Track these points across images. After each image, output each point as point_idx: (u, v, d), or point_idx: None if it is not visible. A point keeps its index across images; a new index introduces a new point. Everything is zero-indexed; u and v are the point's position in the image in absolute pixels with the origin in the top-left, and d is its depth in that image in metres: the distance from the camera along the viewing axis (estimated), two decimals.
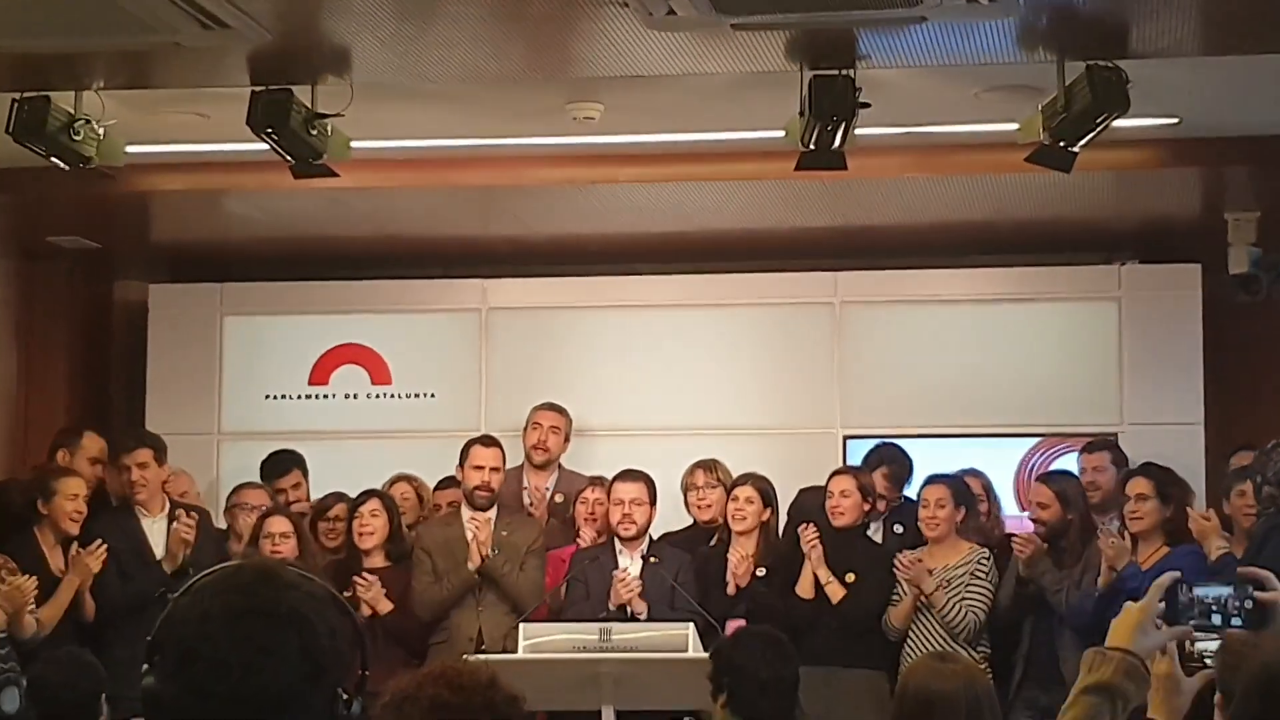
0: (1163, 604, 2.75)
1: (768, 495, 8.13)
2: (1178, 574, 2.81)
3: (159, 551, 8.01)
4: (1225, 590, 2.75)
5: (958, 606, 7.77)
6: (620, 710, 6.99)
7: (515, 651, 7.26)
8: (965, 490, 8.12)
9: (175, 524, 7.98)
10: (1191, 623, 2.77)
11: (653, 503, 8.09)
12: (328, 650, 2.22)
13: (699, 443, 9.11)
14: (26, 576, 7.35)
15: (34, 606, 7.40)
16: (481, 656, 7.22)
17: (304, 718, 2.20)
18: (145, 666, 2.24)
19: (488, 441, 8.34)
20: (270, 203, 9.03)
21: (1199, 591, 2.76)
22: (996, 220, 9.48)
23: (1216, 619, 2.77)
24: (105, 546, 7.75)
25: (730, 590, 7.91)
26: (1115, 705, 2.70)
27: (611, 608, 7.76)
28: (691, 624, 7.21)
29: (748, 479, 8.21)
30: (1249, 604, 2.74)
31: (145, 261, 10.68)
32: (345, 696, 2.27)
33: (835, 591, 7.89)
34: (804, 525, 8.02)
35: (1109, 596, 7.30)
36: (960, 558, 7.91)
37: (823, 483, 8.18)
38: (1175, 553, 7.47)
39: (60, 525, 7.82)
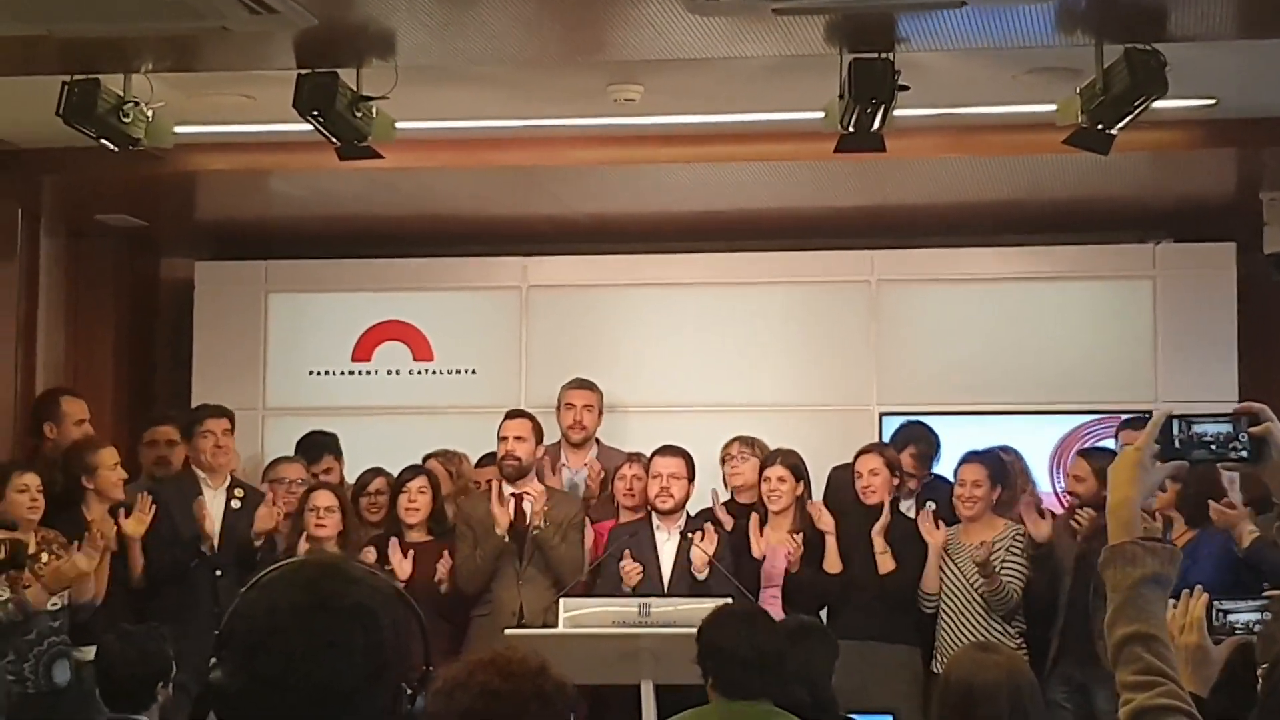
0: (1158, 442, 2.75)
1: (799, 470, 8.18)
2: (1172, 410, 2.80)
3: (216, 523, 8.10)
4: (1224, 427, 2.75)
5: (998, 582, 7.82)
6: (659, 685, 7.04)
7: (555, 625, 7.33)
8: (1002, 468, 8.15)
9: (238, 508, 8.12)
10: (1190, 457, 2.77)
11: (691, 478, 8.15)
12: (391, 644, 2.24)
13: (736, 420, 9.16)
14: (82, 556, 7.39)
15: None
16: (521, 631, 7.33)
17: (368, 711, 2.22)
18: (213, 660, 2.26)
19: (514, 414, 8.43)
20: (314, 182, 9.11)
21: (1197, 429, 2.75)
22: (1032, 199, 9.51)
23: (1214, 454, 2.77)
24: (154, 506, 7.87)
25: (773, 571, 7.97)
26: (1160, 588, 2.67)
27: (627, 590, 7.83)
28: (729, 600, 7.27)
29: (778, 457, 8.25)
30: (1244, 438, 2.75)
31: (191, 239, 10.81)
32: (409, 691, 2.29)
33: (886, 563, 7.95)
34: (813, 504, 8.09)
35: None
36: (995, 534, 7.96)
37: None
38: (1203, 536, 7.47)
39: (110, 495, 7.89)
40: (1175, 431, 2.75)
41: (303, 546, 7.92)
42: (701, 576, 7.79)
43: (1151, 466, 2.73)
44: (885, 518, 7.97)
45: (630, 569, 7.84)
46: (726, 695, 5.04)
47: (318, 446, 9.06)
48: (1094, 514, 7.81)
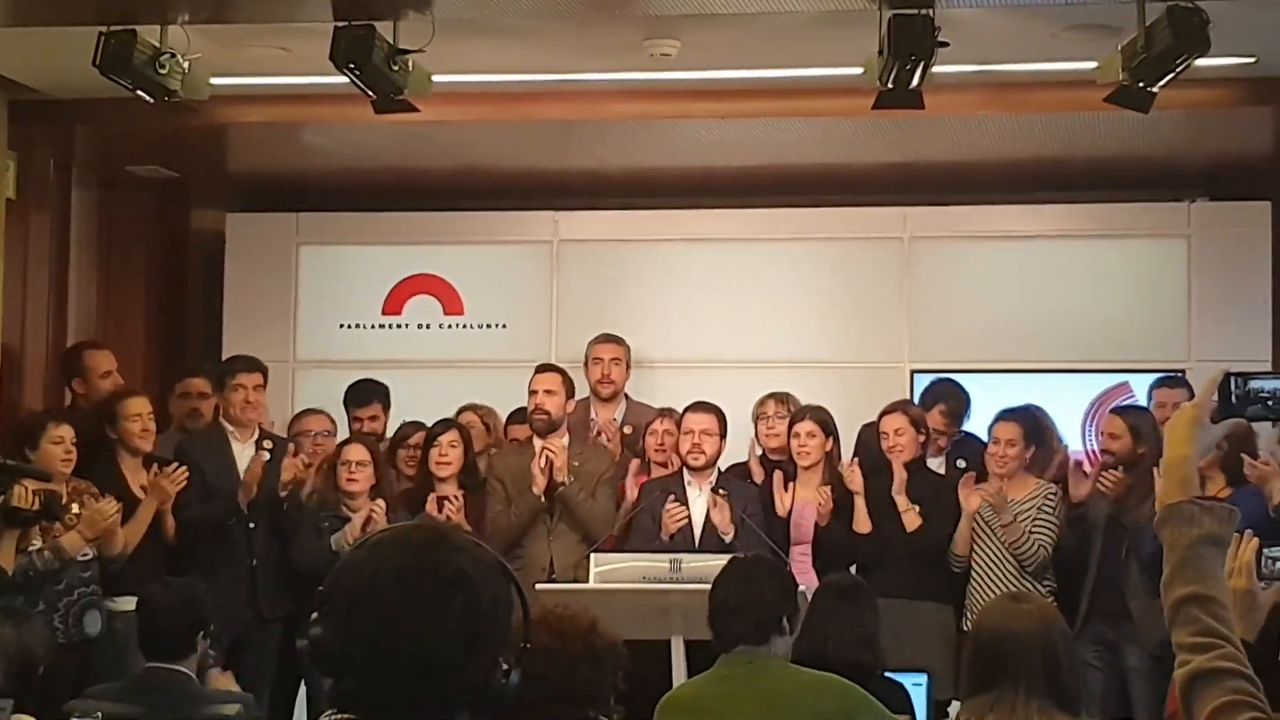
0: (1216, 400, 2.74)
1: (828, 426, 8.15)
2: (1228, 370, 2.79)
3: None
4: (1279, 383, 2.75)
5: (1027, 539, 7.82)
6: (689, 640, 7.04)
7: (586, 580, 7.34)
8: (1037, 426, 8.12)
9: (253, 456, 8.05)
10: (1246, 414, 2.76)
11: (723, 435, 8.12)
12: (489, 616, 2.25)
13: (768, 376, 9.15)
14: (108, 499, 7.46)
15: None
16: (551, 586, 7.33)
17: (461, 681, 2.24)
18: (314, 615, 2.30)
19: (544, 367, 8.42)
20: (347, 134, 9.11)
21: (1253, 385, 2.74)
22: (1067, 157, 9.48)
23: (1269, 410, 2.76)
24: (185, 470, 7.83)
25: (804, 527, 7.97)
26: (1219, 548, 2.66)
27: (665, 537, 7.83)
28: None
29: (806, 413, 8.22)
30: None
31: (223, 191, 10.81)
32: (505, 666, 2.29)
33: (912, 520, 7.94)
34: (849, 463, 8.08)
35: None
36: (1027, 493, 7.94)
37: None
38: (1238, 494, 7.45)
39: (131, 445, 7.88)
40: (1232, 389, 2.74)
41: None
42: (728, 539, 7.78)
43: (1208, 424, 2.72)
44: (901, 475, 7.93)
45: (675, 512, 7.83)
46: (722, 647, 5.02)
47: (366, 391, 9.02)
48: (1121, 474, 7.80)
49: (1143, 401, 8.76)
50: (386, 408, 9.00)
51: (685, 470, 8.09)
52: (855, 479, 7.98)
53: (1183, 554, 2.61)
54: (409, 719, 2.23)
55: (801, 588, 7.14)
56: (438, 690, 2.23)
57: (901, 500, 7.94)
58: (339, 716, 2.24)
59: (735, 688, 4.88)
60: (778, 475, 8.08)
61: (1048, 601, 4.23)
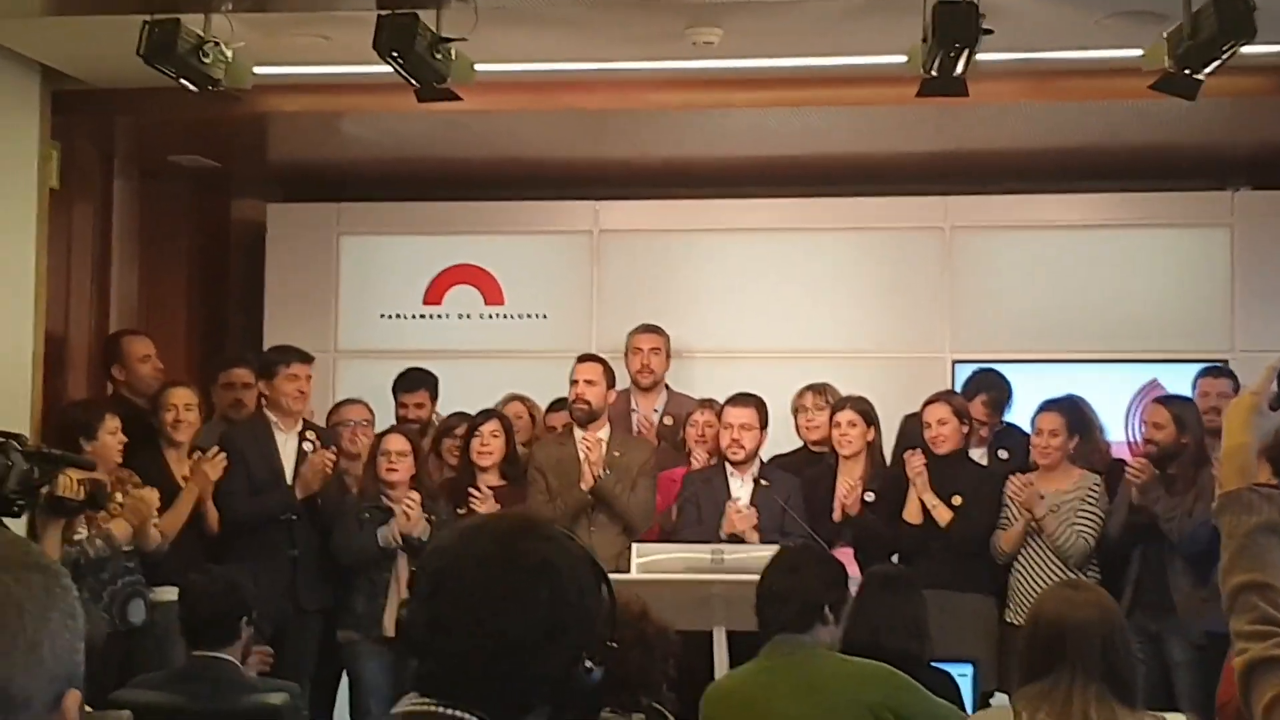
0: (1275, 387, 2.72)
1: (869, 416, 8.14)
2: None
3: (288, 467, 8.09)
4: None
5: (1068, 531, 7.77)
6: (731, 631, 7.03)
7: (628, 571, 7.33)
8: (1080, 416, 8.08)
9: (311, 451, 8.05)
10: None
11: (763, 427, 8.10)
12: (573, 608, 2.25)
13: (808, 366, 9.15)
14: (149, 489, 7.49)
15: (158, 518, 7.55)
16: None
17: (541, 671, 2.24)
18: (405, 595, 2.33)
19: (585, 357, 8.42)
20: (387, 124, 9.11)
21: None
22: (1109, 146, 9.42)
23: None
24: (225, 455, 7.85)
25: (836, 517, 7.96)
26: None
27: (724, 535, 7.81)
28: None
29: (847, 402, 8.22)
30: None
31: (263, 181, 10.83)
32: (589, 664, 2.28)
33: (943, 515, 7.90)
34: (910, 451, 8.05)
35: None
36: (1071, 483, 7.90)
37: None
38: None
39: (167, 435, 7.91)
40: None
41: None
42: (754, 542, 7.75)
43: (1267, 412, 2.70)
44: (922, 474, 7.90)
45: (743, 513, 7.81)
46: (768, 633, 5.01)
47: (416, 379, 9.04)
48: (1149, 465, 7.75)
49: (1184, 392, 8.71)
50: (434, 397, 9.03)
51: (727, 462, 8.08)
52: (915, 463, 7.95)
53: (1241, 541, 2.59)
54: (486, 706, 2.22)
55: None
56: (516, 678, 2.23)
57: (929, 497, 7.91)
58: (418, 701, 2.24)
59: (779, 678, 4.86)
60: (840, 477, 8.06)
61: (1104, 591, 4.17)
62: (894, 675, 4.80)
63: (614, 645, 2.33)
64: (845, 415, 8.10)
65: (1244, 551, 2.59)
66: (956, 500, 7.92)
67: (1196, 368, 8.70)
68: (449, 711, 2.22)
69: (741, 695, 4.91)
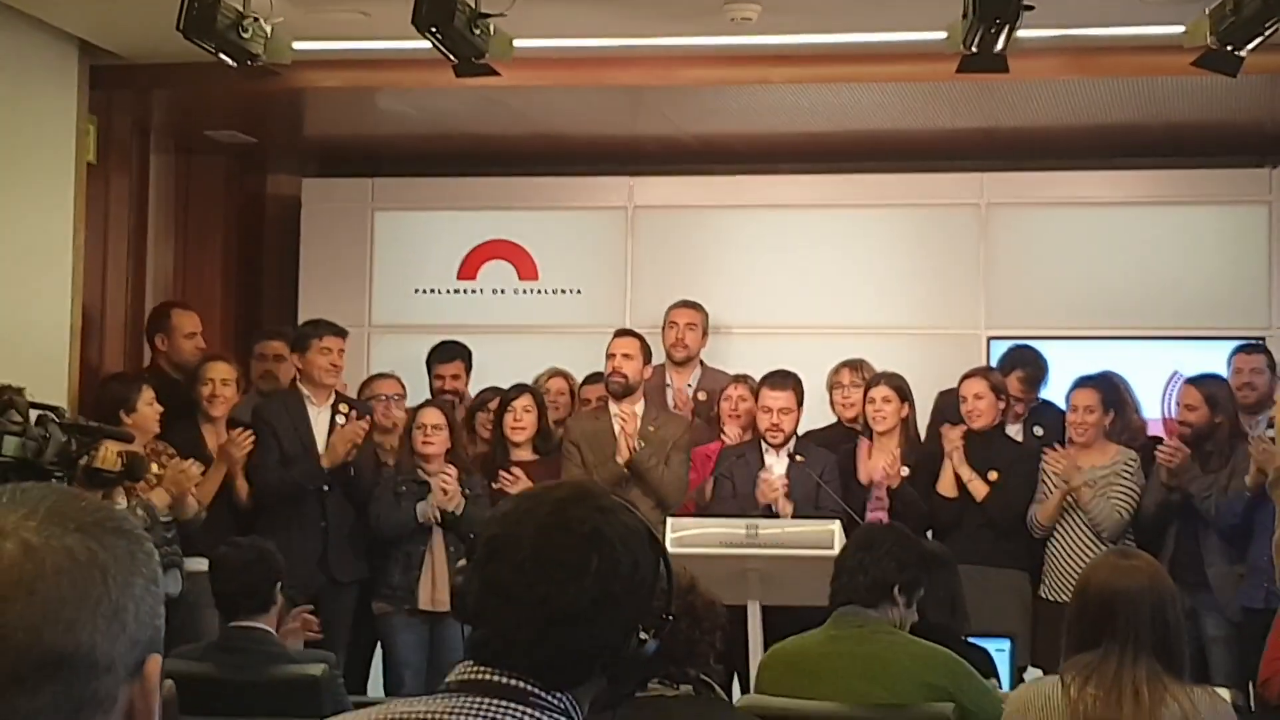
0: None
1: (903, 391, 8.13)
2: None
3: (320, 440, 8.10)
4: None
5: (1103, 504, 7.78)
6: (766, 606, 7.04)
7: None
8: (1115, 392, 8.08)
9: (344, 423, 8.05)
10: None
11: (800, 406, 8.11)
12: (626, 580, 2.24)
13: (843, 342, 9.14)
14: (190, 460, 7.53)
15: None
16: None
17: (591, 640, 2.23)
18: (461, 561, 2.35)
19: (622, 332, 8.45)
20: (422, 99, 9.10)
21: None
22: (1147, 122, 9.38)
23: None
24: (251, 434, 7.88)
25: (864, 480, 7.96)
26: None
27: (759, 507, 7.83)
28: (838, 521, 7.24)
29: (881, 378, 8.22)
30: None
31: (299, 156, 10.85)
32: (643, 637, 2.26)
33: (979, 489, 7.90)
34: (947, 425, 8.05)
35: (1258, 499, 7.28)
36: (1108, 459, 7.90)
37: None
38: None
39: (203, 409, 7.98)
40: None
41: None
42: (788, 515, 7.76)
43: None
44: (958, 448, 7.89)
45: (773, 483, 7.81)
46: (835, 604, 5.01)
47: (451, 350, 9.07)
48: (1178, 446, 7.74)
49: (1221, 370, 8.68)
50: (469, 369, 9.04)
51: (763, 440, 8.09)
52: (953, 436, 7.93)
53: None
54: (539, 674, 2.22)
55: None
56: (567, 647, 2.22)
57: (965, 471, 7.91)
58: (471, 669, 2.25)
59: (842, 648, 4.87)
60: (862, 443, 8.07)
61: (1155, 560, 4.15)
62: (958, 662, 4.81)
63: (669, 619, 2.31)
64: (880, 391, 8.10)
65: None
66: (993, 475, 7.92)
67: (1234, 345, 8.69)
68: (502, 679, 2.22)
69: (802, 663, 4.91)
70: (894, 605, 4.96)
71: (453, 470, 7.86)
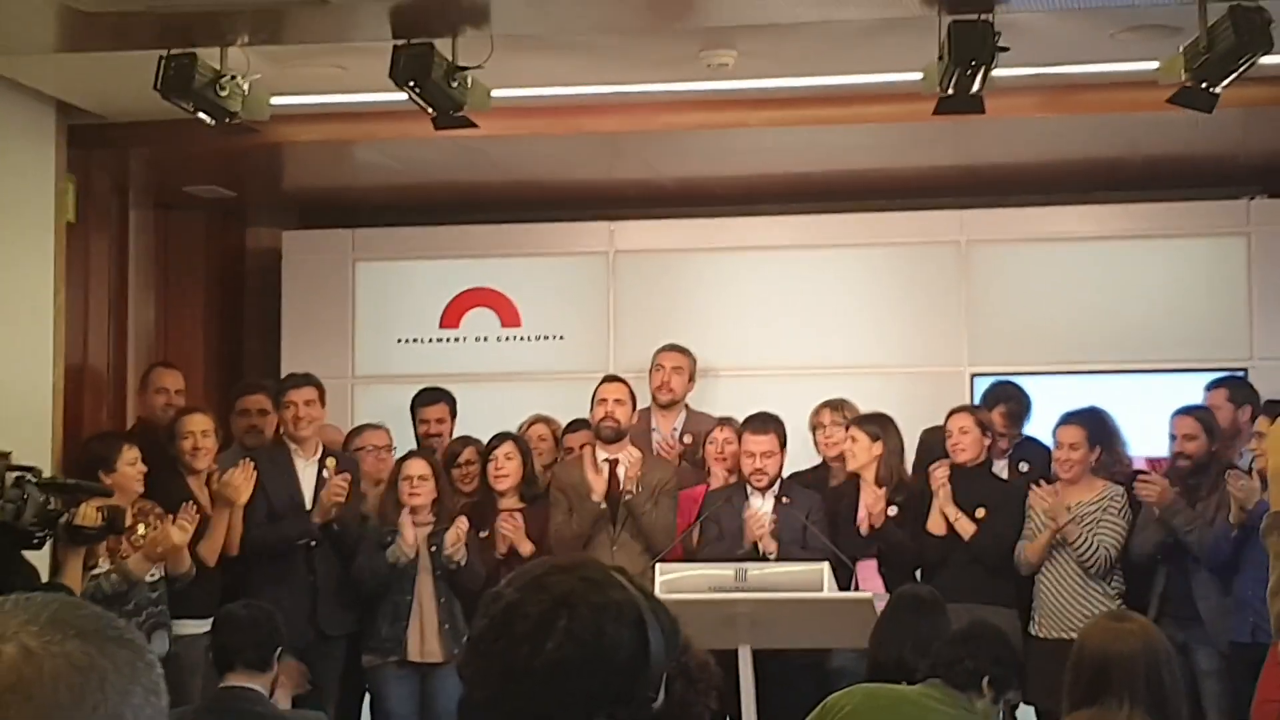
0: None
1: (875, 433, 8.11)
2: None
3: (307, 493, 8.08)
4: None
5: (1090, 540, 7.77)
6: (757, 650, 7.02)
7: (650, 591, 7.31)
8: (1101, 428, 8.06)
9: (329, 480, 8.00)
10: None
11: (783, 448, 8.11)
12: (590, 648, 2.16)
13: (826, 382, 9.15)
14: (185, 512, 7.43)
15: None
16: None
17: (545, 706, 2.16)
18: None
19: (611, 378, 8.46)
20: (402, 150, 9.13)
21: None
22: (1124, 157, 9.43)
23: None
24: (253, 465, 7.83)
25: (864, 531, 7.96)
26: None
27: (745, 545, 7.82)
28: (826, 563, 7.24)
29: (854, 420, 8.26)
30: None
31: (278, 209, 10.86)
32: (613, 714, 2.19)
33: (965, 528, 7.89)
34: (934, 463, 8.05)
35: (1245, 534, 7.28)
36: (1095, 495, 7.89)
37: None
38: None
39: (184, 462, 7.91)
40: None
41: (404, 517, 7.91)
42: (771, 556, 7.75)
43: None
44: (945, 488, 7.89)
45: (760, 518, 7.81)
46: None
47: (433, 394, 9.06)
48: (1157, 479, 7.74)
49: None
50: (454, 413, 9.03)
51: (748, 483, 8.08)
52: (940, 474, 7.94)
53: None
54: None
55: (869, 594, 7.19)
56: (523, 710, 2.16)
57: (951, 510, 7.91)
58: None
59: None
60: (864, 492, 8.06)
61: (1149, 621, 4.15)
62: None
63: (652, 699, 2.22)
64: (851, 431, 8.13)
65: None
66: (980, 513, 7.91)
67: (1215, 376, 8.73)
68: None
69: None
70: (982, 696, 4.99)
71: (464, 522, 7.85)
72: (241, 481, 7.79)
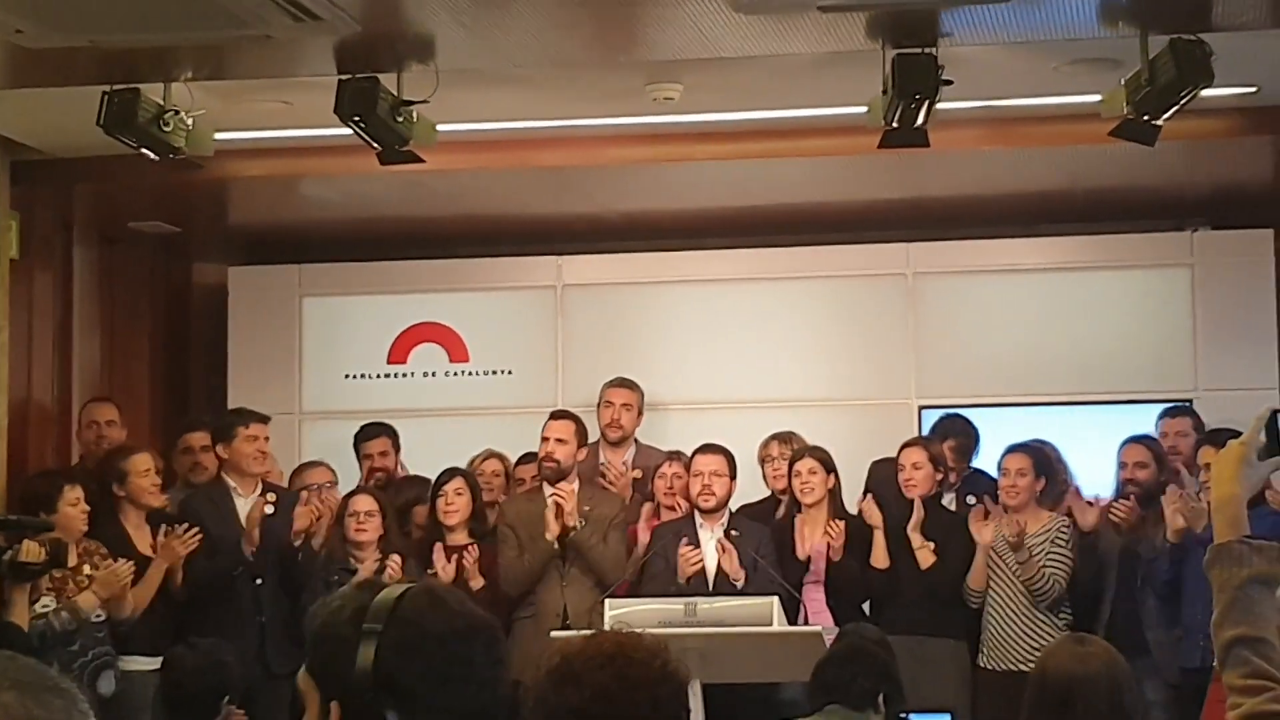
0: (1263, 438, 2.72)
1: (828, 463, 8.13)
2: (1276, 406, 2.76)
3: (254, 530, 8.00)
4: None
5: (1040, 572, 7.79)
6: (707, 684, 7.01)
7: (600, 626, 7.29)
8: (1046, 459, 8.12)
9: (272, 513, 7.98)
10: None
11: (732, 476, 8.10)
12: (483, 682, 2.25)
13: (775, 416, 9.17)
14: (122, 561, 7.42)
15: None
16: (566, 633, 7.29)
17: None
18: None
19: (557, 414, 8.41)
20: (347, 185, 9.11)
21: None
22: (1069, 189, 9.48)
23: None
24: (198, 532, 7.79)
25: (815, 566, 7.95)
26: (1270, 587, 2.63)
27: (681, 581, 7.80)
28: (776, 597, 7.24)
29: (805, 451, 8.24)
30: None
31: (224, 245, 10.82)
32: None
33: (926, 558, 7.92)
34: (863, 499, 8.07)
35: (1182, 552, 7.32)
36: (1041, 526, 7.93)
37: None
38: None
39: (141, 502, 7.87)
40: (1279, 426, 2.72)
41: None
42: (739, 584, 7.76)
43: (1255, 462, 2.70)
44: (918, 514, 7.93)
45: (690, 556, 7.80)
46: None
47: (374, 427, 9.06)
48: (1132, 506, 7.79)
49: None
50: (397, 446, 9.01)
51: (696, 513, 8.07)
52: (873, 513, 7.97)
53: (1233, 594, 2.59)
54: None
55: (818, 628, 7.19)
56: None
57: (916, 538, 7.93)
58: None
59: None
60: (799, 519, 8.06)
61: (1110, 645, 4.16)
62: None
63: None
64: (805, 464, 8.11)
65: (1235, 605, 2.59)
66: (930, 546, 7.94)
67: (1162, 408, 8.78)
68: None
69: None
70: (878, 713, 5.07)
71: (397, 559, 7.79)
72: (180, 549, 7.76)
